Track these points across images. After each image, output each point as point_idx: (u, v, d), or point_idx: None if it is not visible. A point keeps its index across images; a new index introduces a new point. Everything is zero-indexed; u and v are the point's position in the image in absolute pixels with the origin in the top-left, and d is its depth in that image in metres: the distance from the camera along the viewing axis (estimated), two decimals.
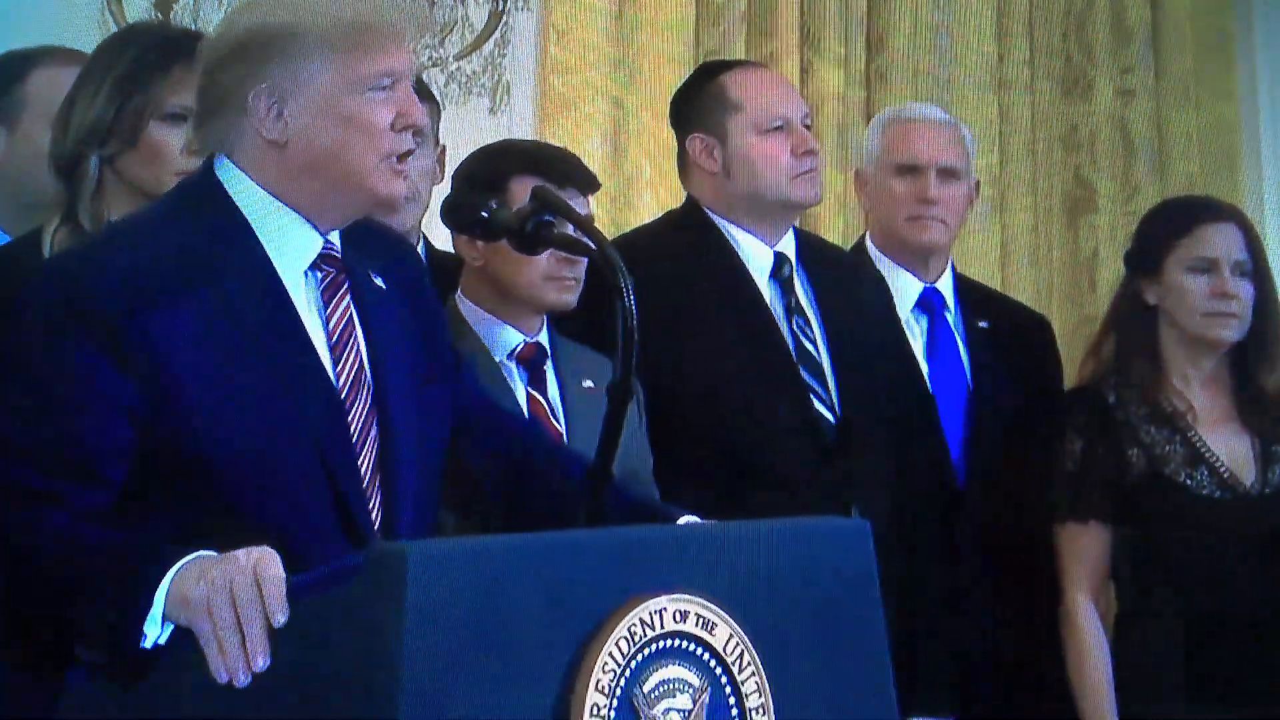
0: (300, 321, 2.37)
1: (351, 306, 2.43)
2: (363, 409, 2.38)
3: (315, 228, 2.40)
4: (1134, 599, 3.68)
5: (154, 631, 2.03)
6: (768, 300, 3.54)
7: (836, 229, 5.24)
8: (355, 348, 2.41)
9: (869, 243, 3.99)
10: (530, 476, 2.58)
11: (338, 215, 2.42)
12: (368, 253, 2.50)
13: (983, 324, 3.92)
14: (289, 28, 2.35)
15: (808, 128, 3.64)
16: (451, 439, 2.55)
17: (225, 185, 2.38)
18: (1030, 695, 3.74)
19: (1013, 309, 4.26)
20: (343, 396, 2.37)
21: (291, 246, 2.39)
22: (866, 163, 4.03)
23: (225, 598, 1.96)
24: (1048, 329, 4.19)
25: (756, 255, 3.57)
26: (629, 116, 5.18)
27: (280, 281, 2.36)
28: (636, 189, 5.12)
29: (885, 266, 3.89)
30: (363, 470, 2.35)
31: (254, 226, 2.37)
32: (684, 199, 3.74)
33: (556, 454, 2.70)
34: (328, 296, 2.41)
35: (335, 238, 2.44)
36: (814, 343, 3.55)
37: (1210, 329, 3.68)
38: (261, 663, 1.94)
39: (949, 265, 3.99)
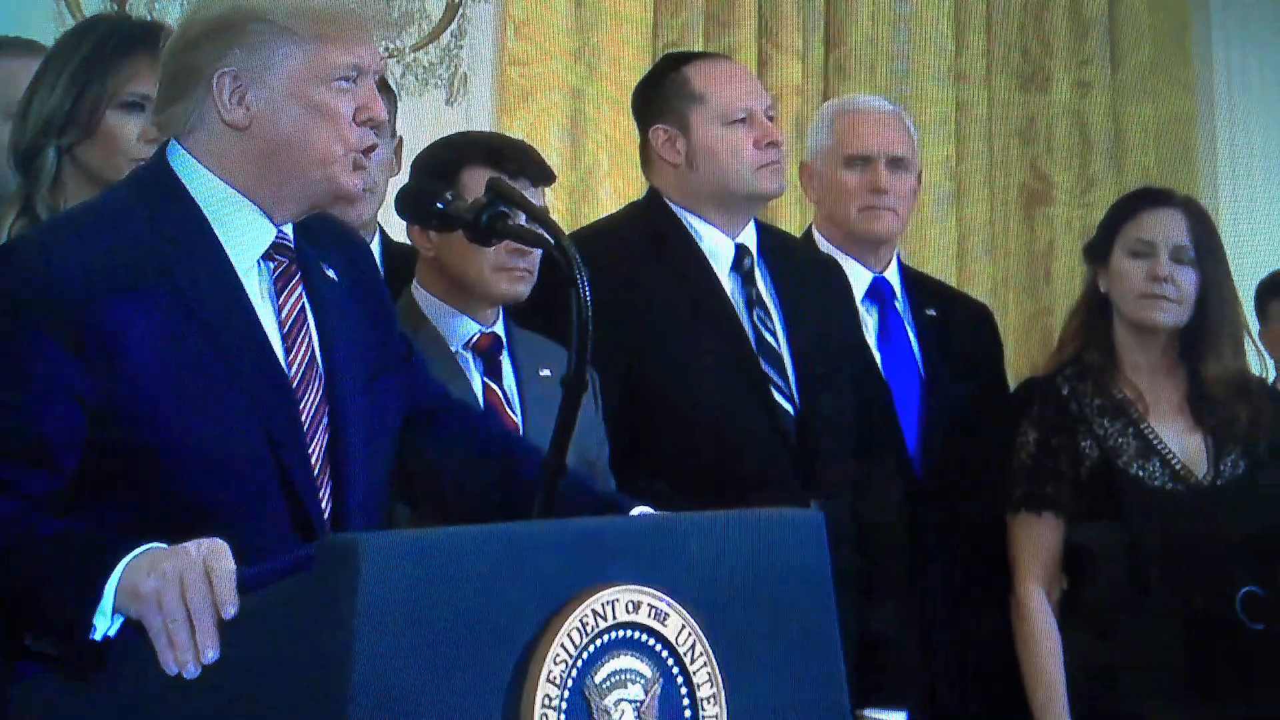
0: (253, 311, 2.36)
1: (304, 297, 2.43)
2: (314, 399, 2.38)
3: (269, 218, 2.40)
4: (1082, 591, 3.70)
5: (104, 624, 2.02)
6: (729, 292, 3.54)
7: (795, 220, 5.26)
8: (307, 338, 2.41)
9: (816, 234, 3.99)
10: (484, 467, 2.58)
11: (293, 206, 2.42)
12: (319, 244, 2.49)
13: (930, 312, 3.94)
14: (259, 13, 2.35)
15: (771, 119, 3.63)
16: (404, 430, 2.55)
17: (179, 173, 2.38)
18: (991, 683, 3.75)
19: (956, 297, 4.28)
20: (294, 386, 2.36)
21: (245, 236, 2.38)
22: (813, 155, 4.03)
23: (175, 590, 1.96)
24: (990, 316, 4.21)
25: (718, 247, 3.57)
26: (588, 108, 5.18)
27: (234, 271, 2.36)
28: (595, 180, 5.13)
29: (834, 257, 3.89)
30: (313, 460, 2.35)
31: (207, 215, 2.37)
32: (645, 190, 3.73)
33: (511, 444, 2.70)
34: (280, 286, 2.41)
35: (288, 228, 2.44)
36: (774, 334, 3.55)
37: (1144, 311, 3.69)
38: (211, 655, 1.94)
39: (895, 255, 4.00)
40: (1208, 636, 3.57)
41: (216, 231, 2.36)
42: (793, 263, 3.69)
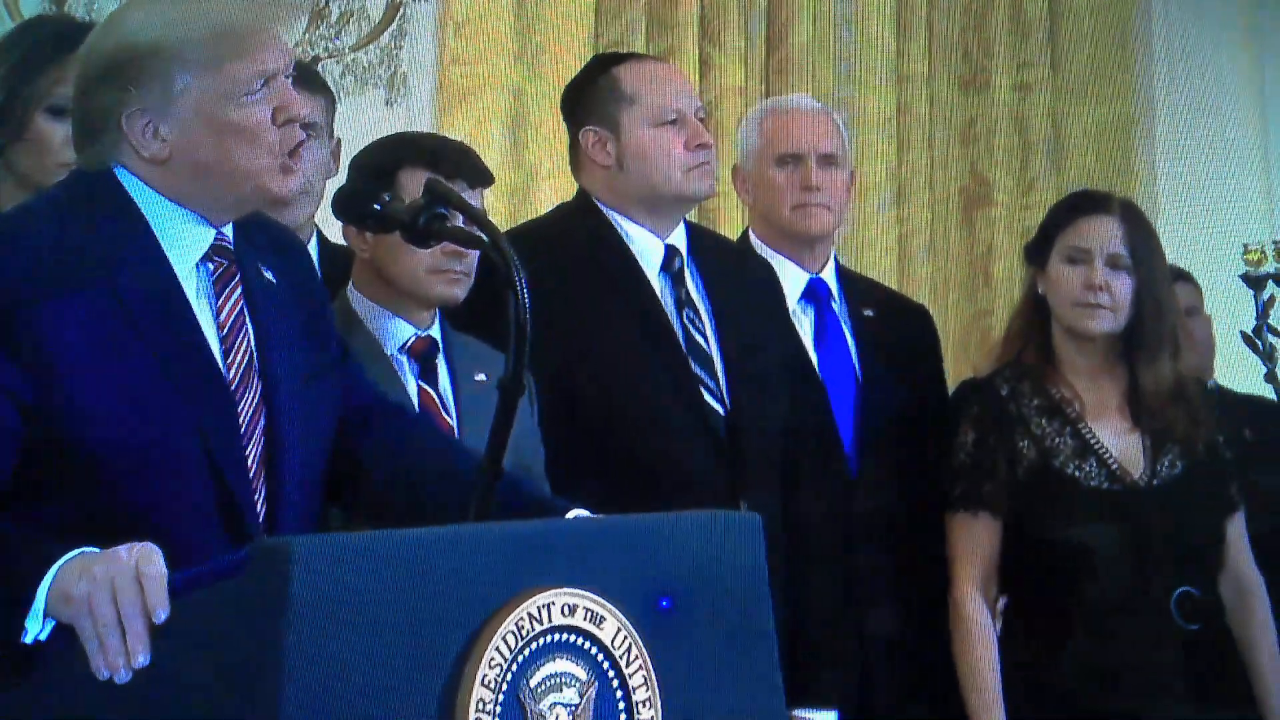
0: (191, 313, 2.36)
1: (243, 299, 2.42)
2: (251, 401, 2.37)
3: (208, 222, 2.39)
4: (1023, 593, 3.72)
5: (35, 627, 2.01)
6: (658, 293, 3.54)
7: (735, 222, 5.26)
8: (245, 340, 2.40)
9: (752, 236, 3.99)
10: (420, 470, 2.57)
11: (230, 213, 2.42)
12: (257, 246, 2.49)
13: (868, 312, 3.94)
14: (151, 46, 2.33)
15: (701, 121, 3.63)
16: (338, 432, 2.54)
17: (120, 178, 2.37)
18: (926, 685, 3.76)
19: (893, 298, 4.28)
20: (232, 389, 2.36)
21: (184, 238, 2.38)
22: (744, 157, 4.02)
23: (106, 594, 1.94)
24: (928, 317, 4.21)
25: (648, 248, 3.56)
26: (528, 109, 5.18)
27: (172, 272, 2.35)
28: (536, 182, 5.13)
29: (769, 258, 3.89)
30: (249, 463, 2.35)
31: (147, 217, 2.36)
32: (576, 191, 3.73)
33: (447, 448, 2.69)
34: (219, 288, 2.40)
35: (228, 230, 2.43)
36: (704, 335, 3.55)
37: (1079, 320, 3.70)
38: (142, 659, 1.92)
39: (832, 255, 4.00)
40: (1145, 635, 3.59)
41: (156, 233, 2.36)
42: (723, 263, 3.69)
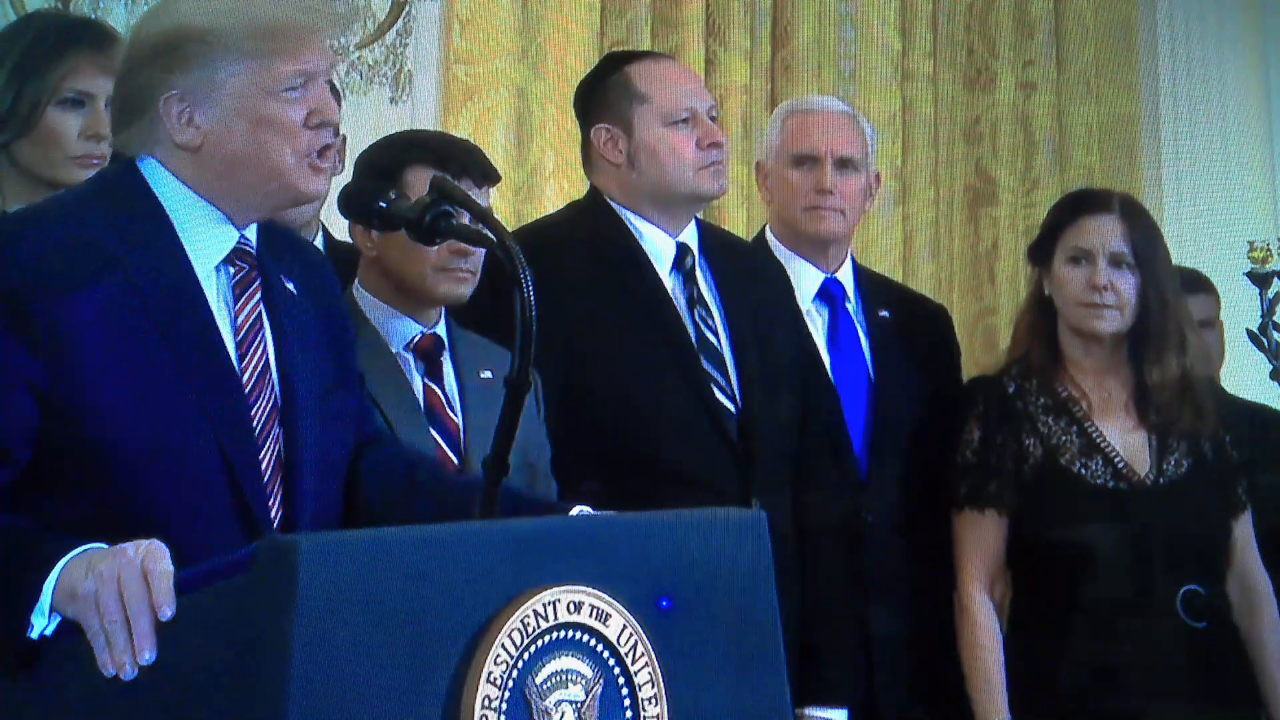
0: (210, 313, 2.36)
1: (261, 304, 2.43)
2: (266, 406, 2.38)
3: (232, 223, 2.40)
4: (1029, 591, 3.72)
5: (41, 623, 2.02)
6: (670, 291, 3.54)
7: (740, 221, 5.26)
8: (262, 345, 2.41)
9: (769, 234, 3.99)
10: (413, 497, 2.55)
11: (257, 212, 2.43)
12: (281, 257, 2.50)
13: (883, 314, 3.93)
14: (200, 32, 2.34)
15: (713, 119, 3.64)
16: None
17: (145, 175, 2.38)
18: (934, 685, 3.76)
19: (912, 299, 4.27)
20: (246, 391, 2.36)
21: (206, 239, 2.38)
22: (766, 154, 4.03)
23: (112, 591, 1.95)
24: (946, 318, 4.21)
25: (659, 246, 3.57)
26: (533, 107, 5.17)
27: (192, 272, 2.36)
28: (540, 180, 5.12)
29: (785, 257, 3.89)
30: (264, 466, 2.35)
31: (171, 217, 2.37)
32: (587, 189, 3.73)
33: (440, 475, 2.67)
34: (238, 292, 2.41)
35: (252, 234, 2.44)
36: (715, 333, 3.55)
37: (1085, 320, 3.70)
38: (148, 656, 1.93)
39: (849, 256, 3.99)
40: (1151, 634, 3.59)
41: (179, 233, 2.36)
42: (735, 262, 3.70)
